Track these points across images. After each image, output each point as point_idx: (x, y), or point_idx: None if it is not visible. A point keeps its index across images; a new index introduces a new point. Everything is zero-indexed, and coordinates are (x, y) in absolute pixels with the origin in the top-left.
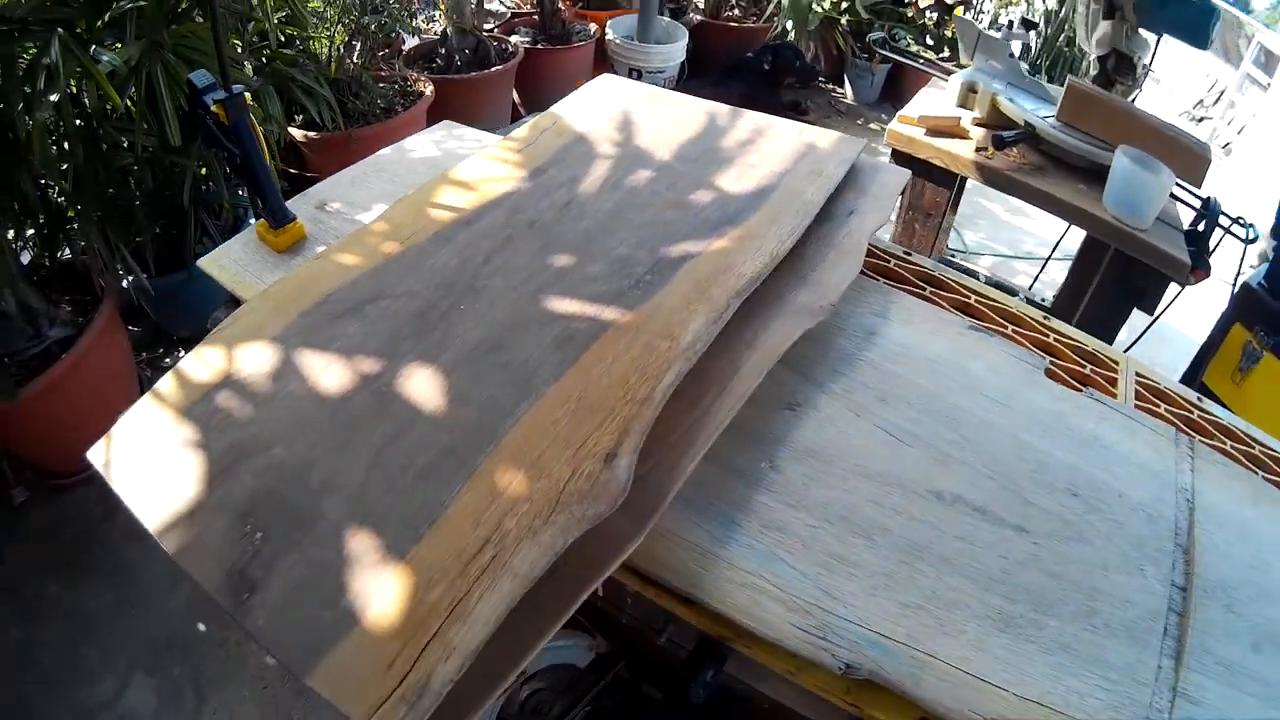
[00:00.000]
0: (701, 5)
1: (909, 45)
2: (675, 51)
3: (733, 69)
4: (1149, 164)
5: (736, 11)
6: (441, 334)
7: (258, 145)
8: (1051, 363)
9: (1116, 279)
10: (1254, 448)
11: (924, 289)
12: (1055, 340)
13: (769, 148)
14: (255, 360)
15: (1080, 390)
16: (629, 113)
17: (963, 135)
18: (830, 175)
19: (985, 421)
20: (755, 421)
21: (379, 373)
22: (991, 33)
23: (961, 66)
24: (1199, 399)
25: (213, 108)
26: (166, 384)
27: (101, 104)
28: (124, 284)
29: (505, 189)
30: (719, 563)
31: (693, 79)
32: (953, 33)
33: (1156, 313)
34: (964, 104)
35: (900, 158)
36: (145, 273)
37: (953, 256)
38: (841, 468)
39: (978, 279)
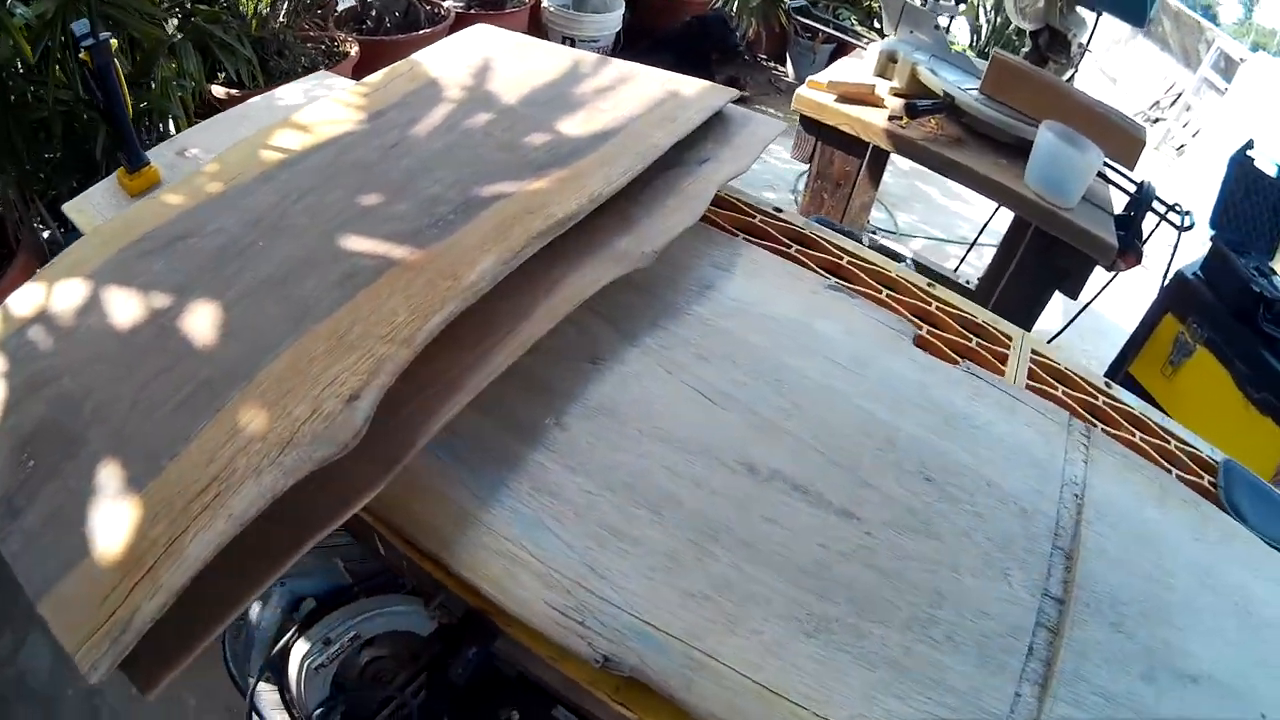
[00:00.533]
0: None
1: (852, 24)
2: (610, 21)
3: (662, 40)
4: (1075, 140)
5: None
6: (235, 270)
7: (119, 90)
8: (929, 331)
9: (1037, 259)
10: (1169, 442)
11: (790, 247)
12: (938, 309)
13: (627, 94)
14: (69, 295)
15: (956, 363)
16: (490, 60)
17: (876, 103)
18: (685, 121)
19: (824, 387)
20: (552, 375)
21: (168, 307)
22: (916, 2)
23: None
24: (1107, 384)
25: (82, 54)
26: None
27: (15, 56)
28: (41, 237)
29: (341, 131)
30: (477, 526)
31: (627, 49)
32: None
33: (1086, 300)
34: (882, 73)
35: (808, 124)
36: (61, 226)
37: (875, 234)
38: (637, 429)
39: (903, 261)
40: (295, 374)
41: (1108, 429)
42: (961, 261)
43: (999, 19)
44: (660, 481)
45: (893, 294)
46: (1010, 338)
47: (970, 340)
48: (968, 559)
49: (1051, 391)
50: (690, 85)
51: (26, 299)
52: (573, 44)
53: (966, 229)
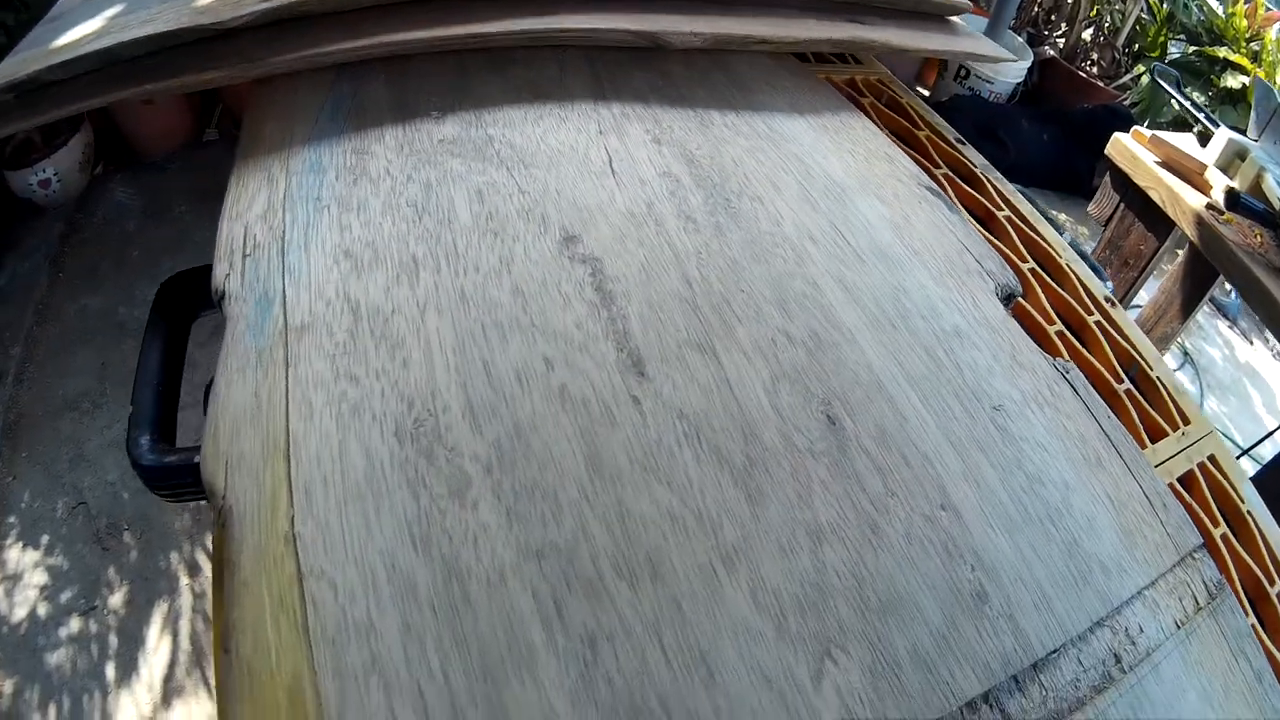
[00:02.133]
0: (1061, 46)
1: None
2: (1014, 70)
3: (1062, 114)
4: None
5: (1095, 70)
6: None
7: None
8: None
9: None
10: None
11: (938, 168)
12: (1100, 322)
13: None
14: None
15: (1059, 354)
16: None
17: (1201, 187)
18: None
19: (785, 240)
20: (491, 81)
21: None
22: None
23: None
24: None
25: None
26: None
27: None
28: None
29: None
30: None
31: (1021, 105)
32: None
33: None
34: (1225, 167)
35: (1116, 179)
36: None
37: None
38: (509, 163)
39: (1105, 282)
40: None
41: (1260, 630)
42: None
43: None
44: (460, 199)
45: (1042, 274)
46: (1189, 421)
47: (1120, 383)
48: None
49: (1202, 521)
50: None
51: None
52: (968, 75)
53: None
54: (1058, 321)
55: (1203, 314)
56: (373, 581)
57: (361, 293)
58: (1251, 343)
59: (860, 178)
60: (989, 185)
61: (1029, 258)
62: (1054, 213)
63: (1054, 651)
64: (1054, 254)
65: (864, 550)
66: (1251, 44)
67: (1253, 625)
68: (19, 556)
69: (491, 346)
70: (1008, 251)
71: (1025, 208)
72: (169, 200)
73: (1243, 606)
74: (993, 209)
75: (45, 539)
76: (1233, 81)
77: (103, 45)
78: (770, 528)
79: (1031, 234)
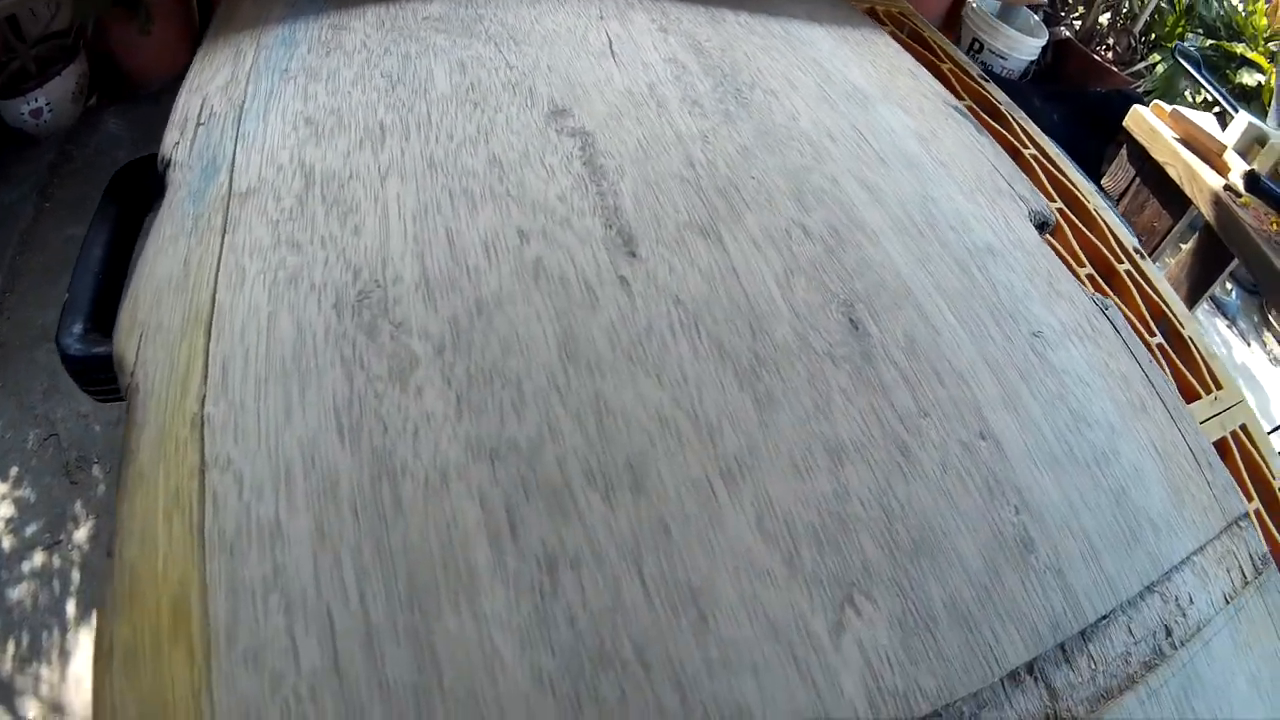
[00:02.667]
0: (1077, 28)
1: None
2: (1028, 46)
3: (1074, 95)
4: None
5: (1110, 55)
6: None
7: None
8: (1085, 271)
9: None
10: None
11: (961, 99)
12: (1130, 271)
13: None
14: None
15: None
16: None
17: (1219, 167)
18: None
19: (803, 137)
20: None
21: None
22: None
23: None
24: None
25: None
26: None
27: None
28: None
29: None
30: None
31: (1034, 83)
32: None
33: None
34: (1243, 151)
35: (1133, 153)
36: None
37: None
38: (498, 36)
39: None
40: None
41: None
42: None
43: None
44: (440, 71)
45: (1070, 215)
46: (1220, 386)
47: (1153, 337)
48: None
49: (1236, 477)
50: None
51: None
52: (981, 49)
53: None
54: (1087, 264)
55: (1202, 311)
56: (286, 475)
57: (318, 158)
58: (1249, 344)
59: (883, 87)
60: (1014, 122)
61: (1056, 198)
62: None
63: (1104, 618)
64: (1082, 198)
65: (893, 476)
66: (1269, 43)
67: None
68: None
69: (459, 215)
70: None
71: (1052, 149)
72: (161, 131)
73: None
74: (1019, 146)
75: (14, 470)
76: (1248, 79)
77: None
78: (781, 440)
79: (1059, 175)
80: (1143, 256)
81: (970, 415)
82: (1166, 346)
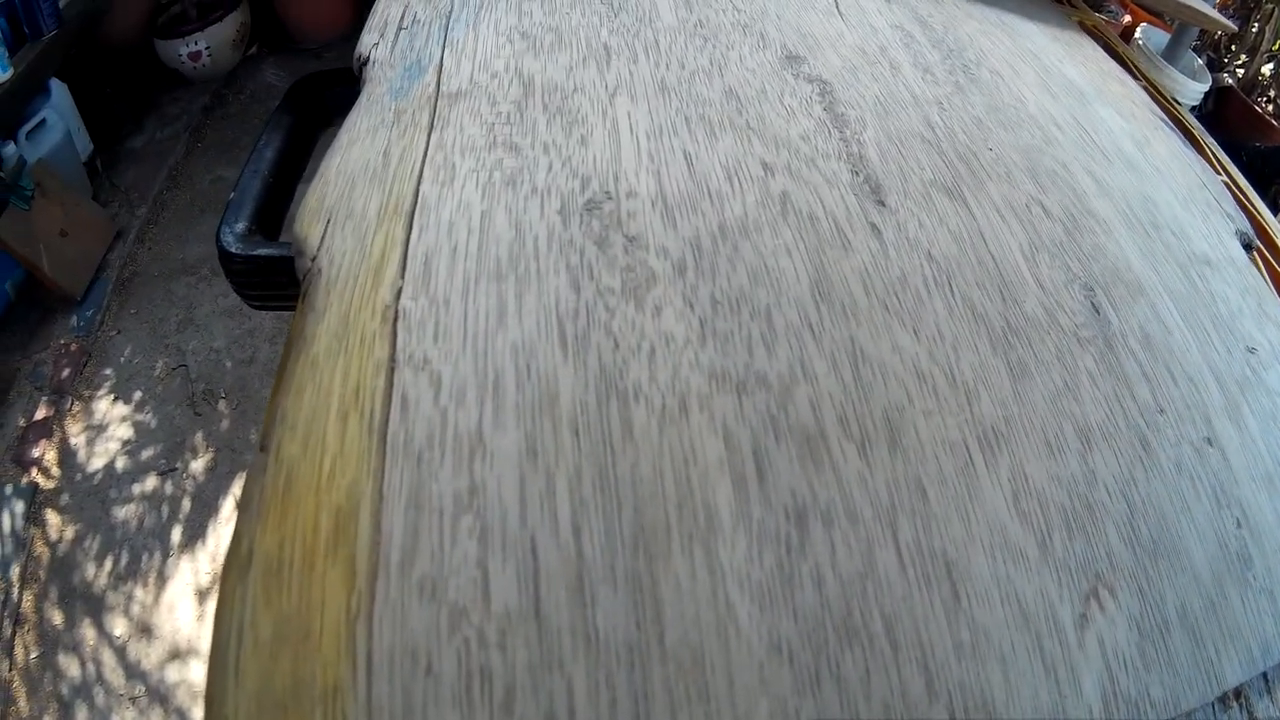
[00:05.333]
0: (1240, 75)
1: None
2: (1191, 90)
3: (1234, 145)
4: None
5: (1270, 108)
6: None
7: None
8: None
9: None
10: None
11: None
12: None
13: None
14: None
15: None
16: None
17: None
18: None
19: (1025, 109)
20: None
21: None
22: None
23: None
24: None
25: None
26: None
27: None
28: None
29: None
30: None
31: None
32: None
33: None
34: None
35: None
36: None
37: None
38: None
39: None
40: None
41: None
42: None
43: None
44: (668, 13)
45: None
46: None
47: None
48: None
49: None
50: None
51: None
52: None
53: None
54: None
55: None
56: (495, 383)
57: (538, 69)
58: None
59: (1096, 88)
60: (1207, 148)
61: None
62: None
63: None
64: (1270, 230)
65: (1135, 468)
66: None
67: None
68: (107, 409)
69: (696, 140)
70: None
71: (1242, 180)
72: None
73: None
74: (1214, 169)
75: (138, 395)
76: None
77: None
78: (1035, 413)
79: (1249, 204)
80: None
81: (1200, 419)
82: None
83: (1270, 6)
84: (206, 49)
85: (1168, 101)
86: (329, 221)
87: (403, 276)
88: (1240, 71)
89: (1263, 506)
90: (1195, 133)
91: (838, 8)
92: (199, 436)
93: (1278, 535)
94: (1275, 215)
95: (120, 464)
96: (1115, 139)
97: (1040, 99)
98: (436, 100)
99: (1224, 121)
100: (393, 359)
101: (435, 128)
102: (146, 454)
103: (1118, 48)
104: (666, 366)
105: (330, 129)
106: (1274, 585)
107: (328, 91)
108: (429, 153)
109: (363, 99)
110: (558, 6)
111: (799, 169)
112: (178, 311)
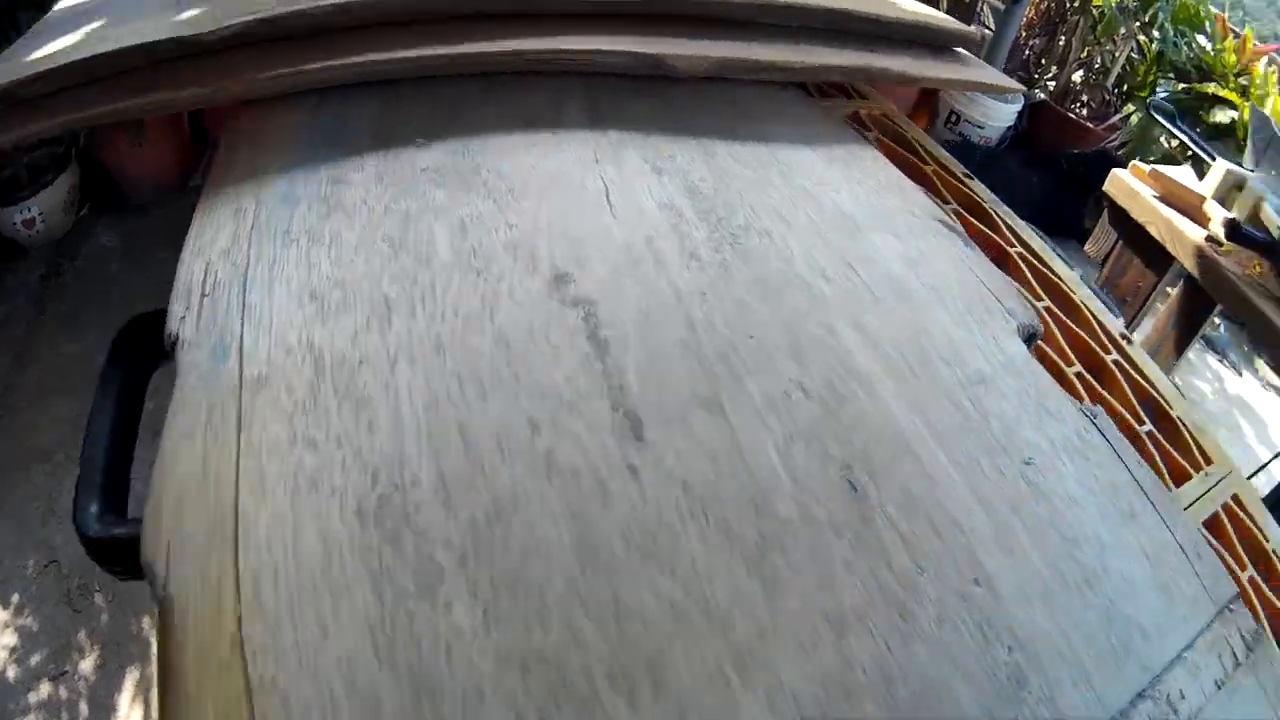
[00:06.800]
0: (1051, 89)
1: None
2: (1004, 113)
3: (1052, 158)
4: None
5: (1085, 112)
6: None
7: None
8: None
9: None
10: None
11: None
12: (1117, 362)
13: None
14: None
15: (1081, 399)
16: None
17: (1200, 219)
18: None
19: (795, 279)
20: (481, 107)
21: None
22: None
23: None
24: None
25: None
26: None
27: None
28: None
29: None
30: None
31: (1011, 149)
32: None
33: None
34: (1221, 199)
35: (1115, 216)
36: None
37: None
38: (495, 191)
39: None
40: None
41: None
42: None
43: None
44: (441, 234)
45: (1057, 312)
46: (1211, 461)
47: (1142, 425)
48: None
49: (1229, 565)
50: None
51: None
52: (958, 120)
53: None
54: (1076, 363)
55: (1193, 349)
56: (330, 698)
57: (326, 340)
58: (1241, 374)
59: (871, 210)
60: (1000, 221)
61: (1044, 296)
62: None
63: None
64: (1068, 291)
65: (892, 639)
66: (1239, 78)
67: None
68: None
69: (469, 406)
70: (1022, 290)
71: (1037, 243)
72: (152, 244)
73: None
74: (1005, 245)
75: (15, 598)
76: (1222, 116)
77: (79, 57)
78: (788, 620)
79: (1045, 271)
80: (1129, 342)
81: (965, 562)
82: (1156, 433)
83: (1075, 19)
84: (40, 214)
85: (957, 180)
86: (169, 547)
87: (239, 602)
88: (1052, 84)
89: (1038, 621)
90: (986, 206)
91: (608, 199)
92: (82, 635)
93: (1056, 641)
94: (1090, 222)
95: (11, 673)
96: (887, 268)
97: (809, 250)
98: (241, 391)
99: (1041, 134)
100: (248, 686)
101: (243, 427)
102: (35, 659)
103: (907, 131)
104: (462, 660)
105: (163, 367)
106: (1054, 691)
107: (153, 334)
108: (240, 459)
109: (178, 392)
110: (343, 254)
111: (562, 420)
112: (40, 503)
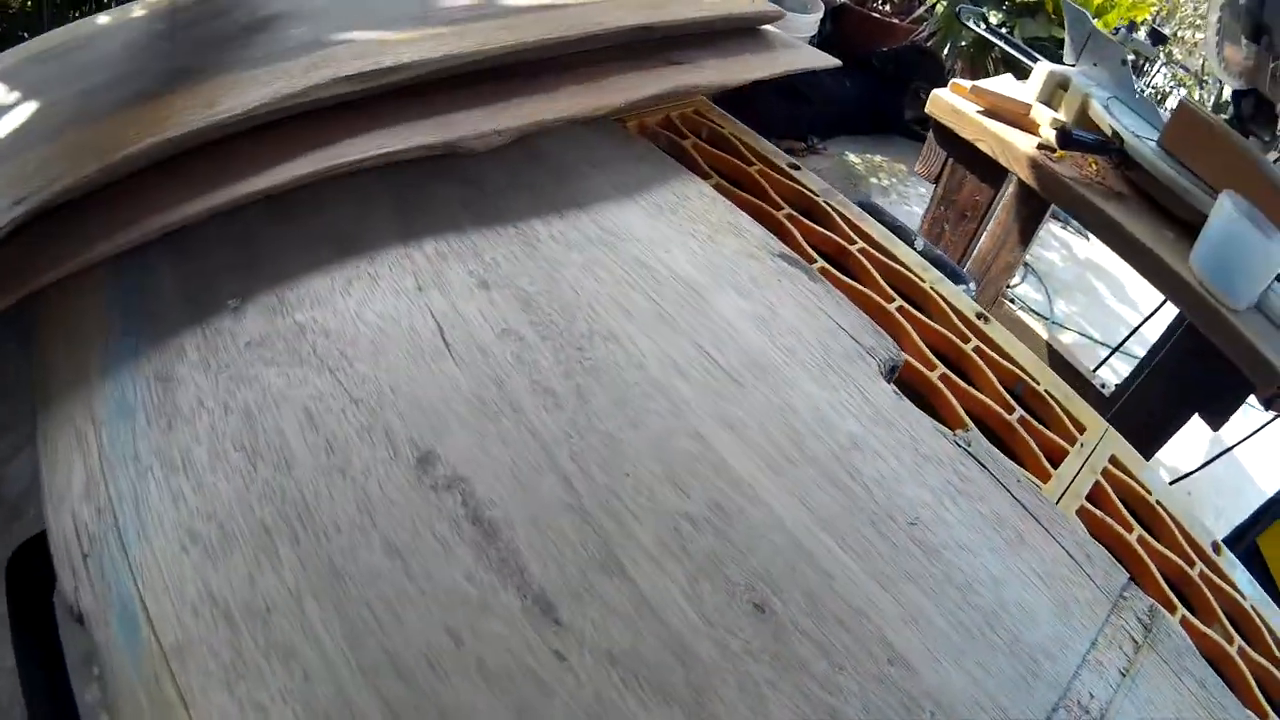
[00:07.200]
0: None
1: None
2: (804, 24)
3: (862, 59)
4: (1261, 224)
5: (887, 8)
6: None
7: None
8: (941, 376)
9: (1181, 366)
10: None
11: (779, 209)
12: (978, 348)
13: None
14: None
15: (954, 429)
16: None
17: (1029, 128)
18: (669, 12)
19: (651, 382)
20: (287, 245)
21: None
22: (1106, 32)
23: None
24: (1214, 548)
25: None
26: None
27: None
28: None
29: None
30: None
31: None
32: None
33: (1234, 441)
34: (1047, 100)
35: (941, 135)
36: None
37: (1015, 305)
38: (321, 351)
39: (966, 285)
40: None
41: (1192, 618)
42: (1102, 364)
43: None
44: (291, 430)
45: (911, 309)
46: (1083, 429)
47: (1012, 412)
48: None
49: (1117, 531)
50: None
51: None
52: None
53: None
54: (938, 364)
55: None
56: None
57: (225, 588)
58: (1088, 239)
59: (711, 265)
60: (835, 215)
61: (893, 294)
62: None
63: None
64: (915, 279)
65: None
66: None
67: (1183, 617)
68: None
69: (387, 631)
70: (871, 294)
71: (877, 231)
72: None
73: (1168, 600)
74: (844, 244)
75: None
76: None
77: None
78: None
79: (889, 262)
80: (986, 320)
81: (876, 646)
82: (1028, 417)
83: None
84: None
85: (784, 175)
86: None
87: None
88: None
89: (950, 677)
90: (819, 200)
91: (443, 338)
92: None
93: (969, 690)
94: (910, 113)
95: None
96: (741, 341)
97: (658, 343)
98: (167, 662)
99: (847, 38)
100: None
101: (188, 704)
102: None
103: (724, 128)
104: None
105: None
106: None
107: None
108: None
109: (109, 675)
110: (202, 478)
111: (480, 624)
112: None
